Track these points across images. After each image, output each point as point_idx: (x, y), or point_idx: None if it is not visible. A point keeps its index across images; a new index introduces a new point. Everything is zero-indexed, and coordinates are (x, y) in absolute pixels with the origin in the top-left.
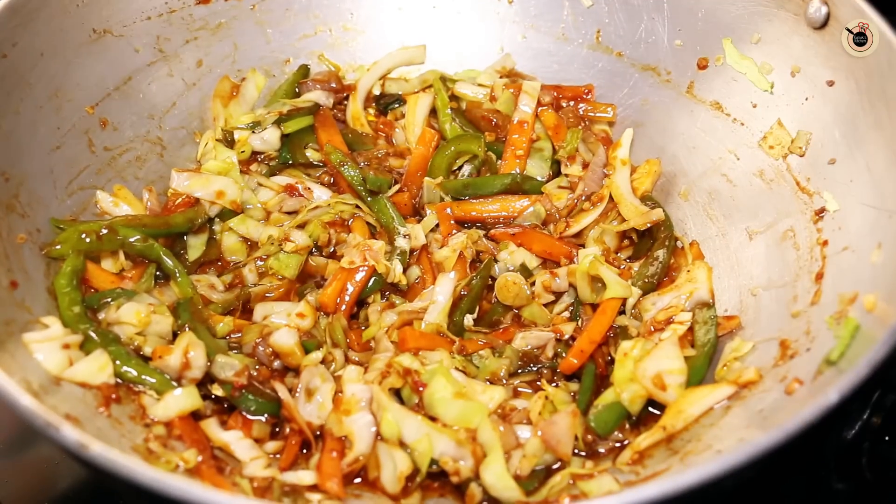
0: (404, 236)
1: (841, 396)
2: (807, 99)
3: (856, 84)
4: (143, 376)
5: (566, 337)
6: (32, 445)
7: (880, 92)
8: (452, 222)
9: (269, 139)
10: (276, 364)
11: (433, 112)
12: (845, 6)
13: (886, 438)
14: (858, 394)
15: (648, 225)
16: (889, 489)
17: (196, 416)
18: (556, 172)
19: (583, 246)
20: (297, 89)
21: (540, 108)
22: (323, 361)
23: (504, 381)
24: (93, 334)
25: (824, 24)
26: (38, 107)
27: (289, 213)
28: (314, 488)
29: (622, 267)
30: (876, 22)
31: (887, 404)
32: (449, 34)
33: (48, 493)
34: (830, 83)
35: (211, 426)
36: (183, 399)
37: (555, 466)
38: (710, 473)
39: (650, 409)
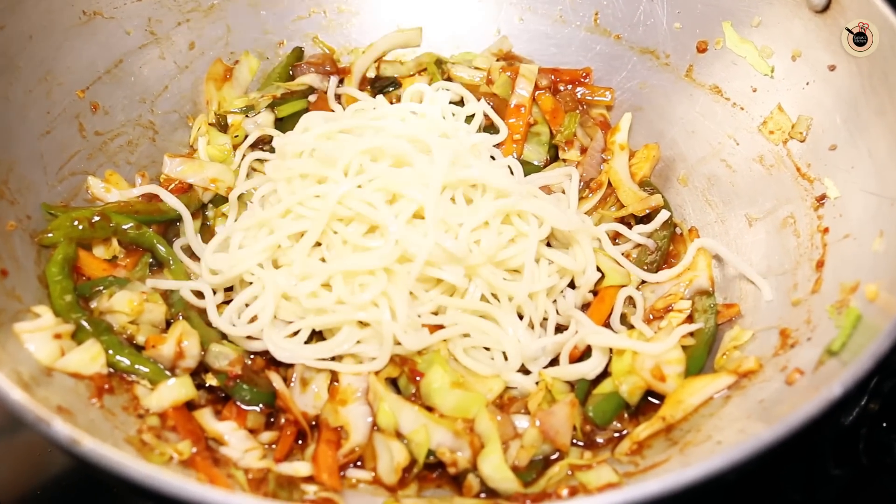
0: None
1: (845, 390)
2: (808, 83)
3: (857, 69)
4: (137, 366)
5: None
6: (23, 430)
7: (882, 77)
8: None
9: (262, 123)
10: None
11: None
12: None
13: (884, 424)
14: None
15: (647, 211)
16: (886, 475)
17: (190, 406)
18: (554, 157)
19: None
20: (290, 72)
21: (537, 92)
22: None
23: None
24: (85, 323)
25: (826, 8)
26: (27, 91)
27: None
28: (310, 480)
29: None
30: (878, 6)
31: (885, 390)
32: (445, 16)
33: (39, 478)
34: (832, 68)
35: (205, 416)
36: (177, 389)
37: (553, 457)
38: (714, 468)
39: (649, 398)
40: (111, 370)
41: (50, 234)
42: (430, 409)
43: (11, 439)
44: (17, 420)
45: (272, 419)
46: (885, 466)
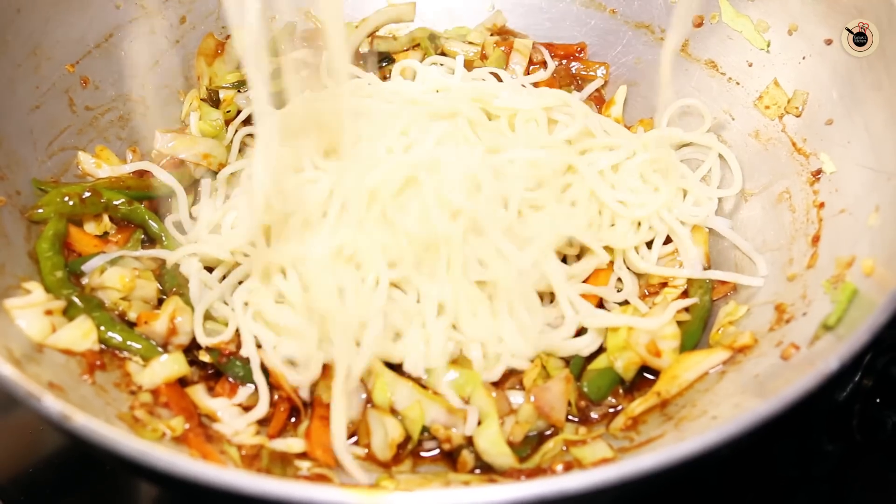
0: None
1: (841, 364)
2: (804, 58)
3: None
4: (129, 342)
5: None
6: (14, 409)
7: (880, 51)
8: None
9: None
10: None
11: None
12: None
13: (877, 401)
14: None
15: None
16: (879, 451)
17: (183, 382)
18: None
19: None
20: (283, 47)
21: (531, 67)
22: None
23: None
24: (76, 300)
25: None
26: (15, 65)
27: None
28: (303, 456)
29: None
30: None
31: (879, 367)
32: None
33: (31, 458)
34: (828, 42)
35: (198, 393)
36: (169, 365)
37: (548, 432)
38: (708, 443)
39: (644, 373)
40: (103, 346)
41: (40, 210)
42: (424, 386)
43: (3, 418)
44: (9, 398)
45: None
46: (878, 443)
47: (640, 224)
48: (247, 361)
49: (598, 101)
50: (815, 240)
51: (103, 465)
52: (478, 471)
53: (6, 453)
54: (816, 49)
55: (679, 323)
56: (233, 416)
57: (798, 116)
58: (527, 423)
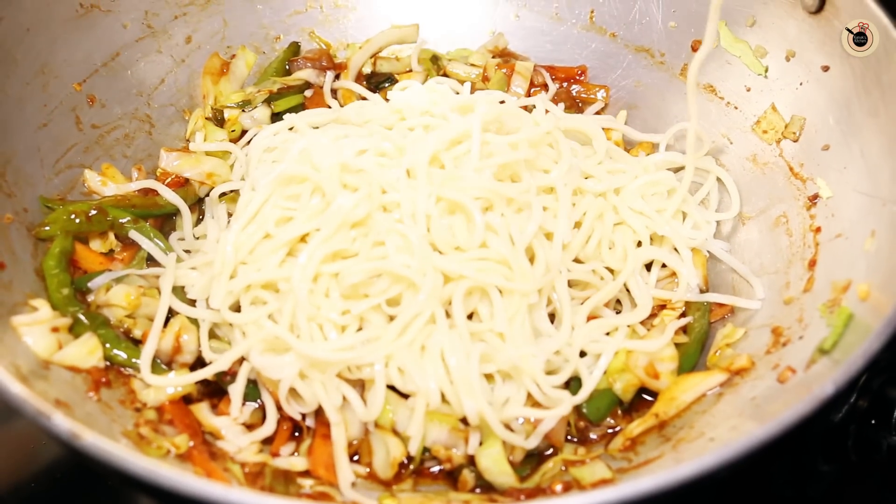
0: None
1: (837, 388)
2: (801, 84)
3: (851, 70)
4: (134, 360)
5: None
6: (13, 420)
7: (875, 78)
8: None
9: (259, 118)
10: None
11: None
12: None
13: (873, 422)
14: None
15: None
16: (874, 471)
17: (187, 400)
18: None
19: None
20: (287, 67)
21: (532, 89)
22: None
23: None
24: (82, 317)
25: (820, 9)
26: (24, 83)
27: None
28: (306, 474)
29: None
30: (871, 8)
31: (874, 387)
32: (441, 13)
33: (32, 469)
34: (825, 68)
35: (202, 411)
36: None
37: (547, 452)
38: (706, 466)
39: (643, 395)
40: (108, 364)
41: (47, 228)
42: None
43: (3, 430)
44: (8, 411)
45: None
46: (873, 463)
47: (640, 246)
48: (251, 379)
49: None
50: (812, 264)
51: (102, 477)
52: (478, 490)
53: (6, 464)
54: (814, 75)
55: (677, 345)
56: (236, 434)
57: (795, 141)
58: None
